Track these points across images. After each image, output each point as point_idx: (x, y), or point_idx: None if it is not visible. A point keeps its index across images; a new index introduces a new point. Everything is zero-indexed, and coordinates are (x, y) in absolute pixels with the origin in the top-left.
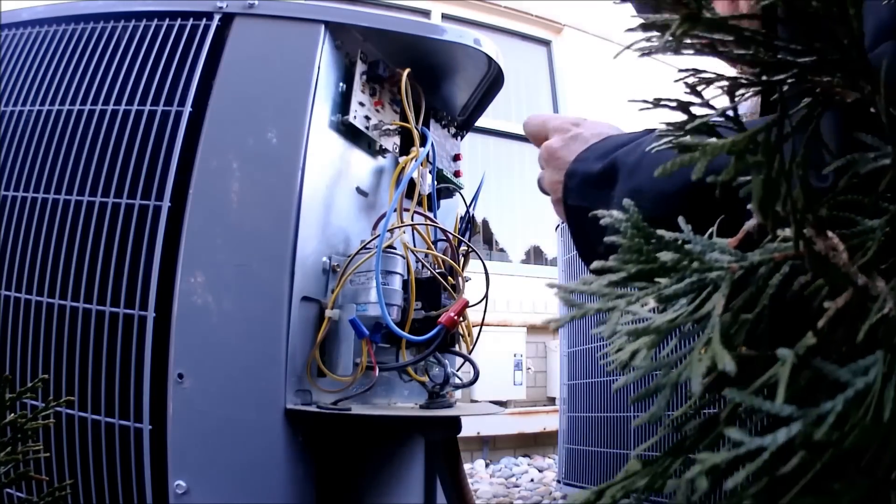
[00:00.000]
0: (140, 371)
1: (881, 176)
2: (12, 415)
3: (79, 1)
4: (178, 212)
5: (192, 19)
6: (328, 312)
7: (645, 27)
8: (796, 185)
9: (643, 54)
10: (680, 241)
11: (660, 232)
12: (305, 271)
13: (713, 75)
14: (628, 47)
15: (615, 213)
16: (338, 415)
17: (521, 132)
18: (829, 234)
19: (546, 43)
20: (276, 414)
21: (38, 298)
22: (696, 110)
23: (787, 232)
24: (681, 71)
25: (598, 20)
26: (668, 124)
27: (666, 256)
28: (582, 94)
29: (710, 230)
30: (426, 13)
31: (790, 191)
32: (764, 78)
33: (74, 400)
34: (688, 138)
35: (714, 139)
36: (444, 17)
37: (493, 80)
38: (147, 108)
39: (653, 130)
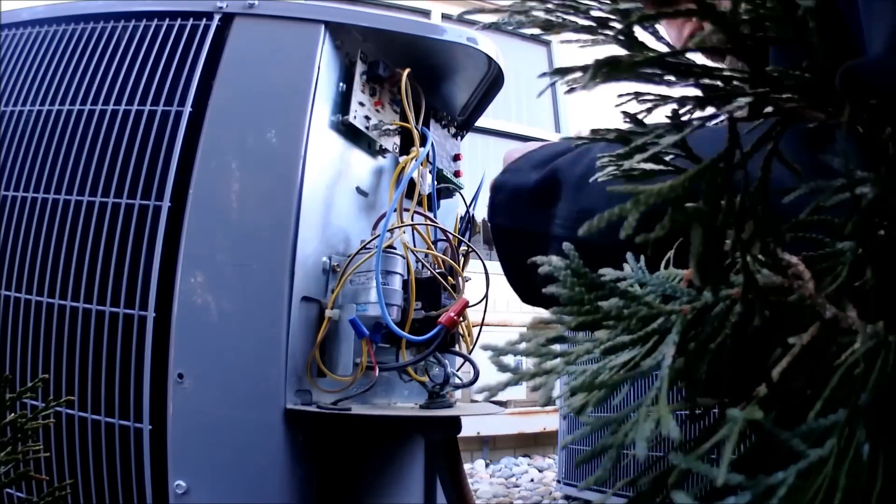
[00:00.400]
0: (140, 371)
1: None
2: (12, 414)
3: (79, 1)
4: (178, 212)
5: (192, 19)
6: (328, 312)
7: (559, 72)
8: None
9: (569, 91)
10: (627, 282)
11: (604, 272)
12: (305, 271)
13: (656, 99)
14: (546, 89)
15: (554, 259)
16: (338, 415)
17: (522, 132)
18: (793, 259)
19: (546, 43)
20: (276, 414)
21: (38, 298)
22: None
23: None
24: (620, 96)
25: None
26: (610, 156)
27: (610, 304)
28: (582, 95)
29: (667, 255)
30: (426, 13)
31: (739, 236)
32: (711, 109)
33: (74, 400)
34: (633, 167)
35: (652, 184)
36: (444, 17)
37: (493, 80)
38: (147, 108)
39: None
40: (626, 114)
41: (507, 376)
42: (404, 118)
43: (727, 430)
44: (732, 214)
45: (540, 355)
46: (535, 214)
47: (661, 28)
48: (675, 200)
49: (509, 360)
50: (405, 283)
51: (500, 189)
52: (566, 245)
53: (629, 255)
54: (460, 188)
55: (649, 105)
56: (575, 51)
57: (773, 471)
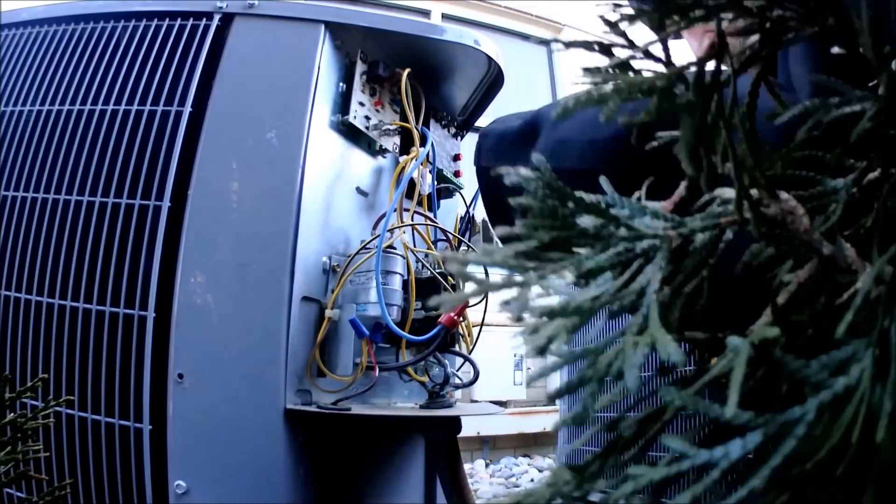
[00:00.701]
0: (140, 371)
1: (847, 128)
2: (12, 414)
3: (79, 1)
4: (178, 212)
5: (192, 19)
6: (328, 312)
7: None
8: (742, 140)
9: None
10: (603, 204)
11: (579, 193)
12: (305, 271)
13: (637, 8)
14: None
15: (523, 170)
16: (338, 415)
17: None
18: (785, 195)
19: (546, 43)
20: (276, 414)
21: (38, 298)
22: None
23: (732, 192)
24: (598, 6)
25: (598, 20)
26: (585, 69)
27: (587, 221)
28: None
29: (637, 193)
30: (426, 13)
31: (731, 139)
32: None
33: (74, 400)
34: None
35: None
36: (444, 17)
37: (493, 80)
38: (147, 108)
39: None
40: (604, 19)
41: (471, 288)
42: (404, 118)
43: (728, 361)
44: (722, 116)
45: (510, 267)
46: (517, 153)
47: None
48: (663, 91)
49: (508, 368)
50: (405, 283)
51: (487, 135)
52: (537, 156)
53: (602, 179)
54: (460, 188)
55: (631, 14)
56: (575, 51)
57: (781, 409)
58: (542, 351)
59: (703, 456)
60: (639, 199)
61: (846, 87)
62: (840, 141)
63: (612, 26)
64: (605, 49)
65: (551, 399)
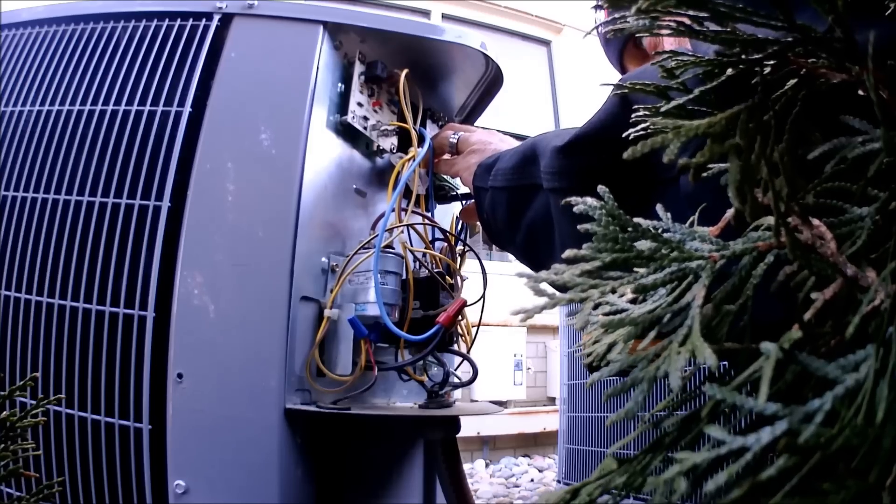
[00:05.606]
0: (139, 371)
1: (869, 162)
2: (5, 412)
3: (79, 1)
4: (178, 212)
5: (191, 19)
6: (327, 312)
7: (612, 3)
8: (779, 172)
9: (614, 34)
10: (658, 230)
11: (637, 220)
12: (305, 271)
13: (692, 57)
14: (598, 26)
15: (589, 200)
16: (337, 414)
17: (521, 133)
18: (816, 222)
19: (546, 43)
20: (275, 414)
21: (38, 298)
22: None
23: (771, 220)
24: (657, 54)
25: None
26: (644, 108)
27: (643, 245)
28: (582, 94)
29: (690, 218)
30: (426, 13)
31: (771, 176)
32: (743, 57)
33: (71, 399)
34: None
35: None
36: (444, 17)
37: (491, 81)
38: (147, 108)
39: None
40: (662, 67)
41: (543, 300)
42: (402, 118)
43: (761, 361)
44: (763, 156)
45: (575, 285)
46: (525, 172)
47: None
48: (715, 135)
49: (508, 368)
50: (404, 283)
51: (492, 168)
52: (601, 188)
53: (659, 207)
54: (456, 189)
55: (686, 61)
56: (575, 51)
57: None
58: (601, 358)
59: (739, 441)
60: (691, 223)
61: (869, 127)
62: (865, 173)
63: (670, 73)
64: (661, 92)
65: (610, 396)
